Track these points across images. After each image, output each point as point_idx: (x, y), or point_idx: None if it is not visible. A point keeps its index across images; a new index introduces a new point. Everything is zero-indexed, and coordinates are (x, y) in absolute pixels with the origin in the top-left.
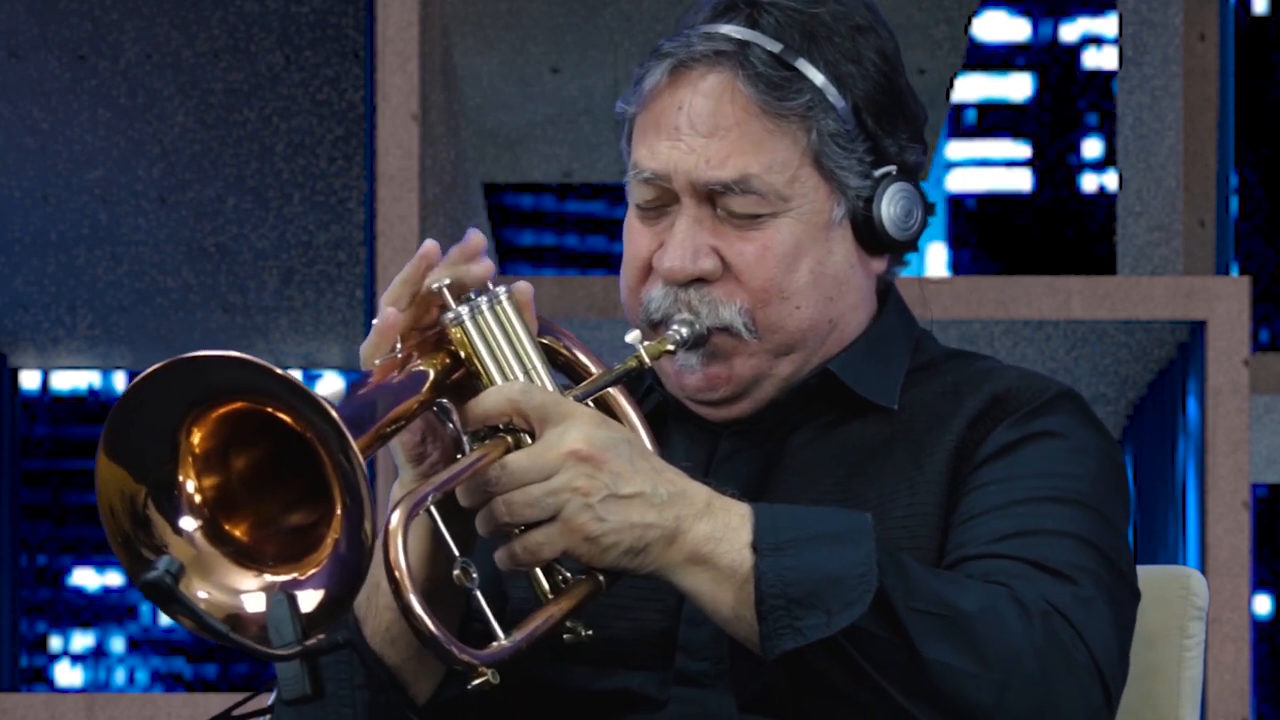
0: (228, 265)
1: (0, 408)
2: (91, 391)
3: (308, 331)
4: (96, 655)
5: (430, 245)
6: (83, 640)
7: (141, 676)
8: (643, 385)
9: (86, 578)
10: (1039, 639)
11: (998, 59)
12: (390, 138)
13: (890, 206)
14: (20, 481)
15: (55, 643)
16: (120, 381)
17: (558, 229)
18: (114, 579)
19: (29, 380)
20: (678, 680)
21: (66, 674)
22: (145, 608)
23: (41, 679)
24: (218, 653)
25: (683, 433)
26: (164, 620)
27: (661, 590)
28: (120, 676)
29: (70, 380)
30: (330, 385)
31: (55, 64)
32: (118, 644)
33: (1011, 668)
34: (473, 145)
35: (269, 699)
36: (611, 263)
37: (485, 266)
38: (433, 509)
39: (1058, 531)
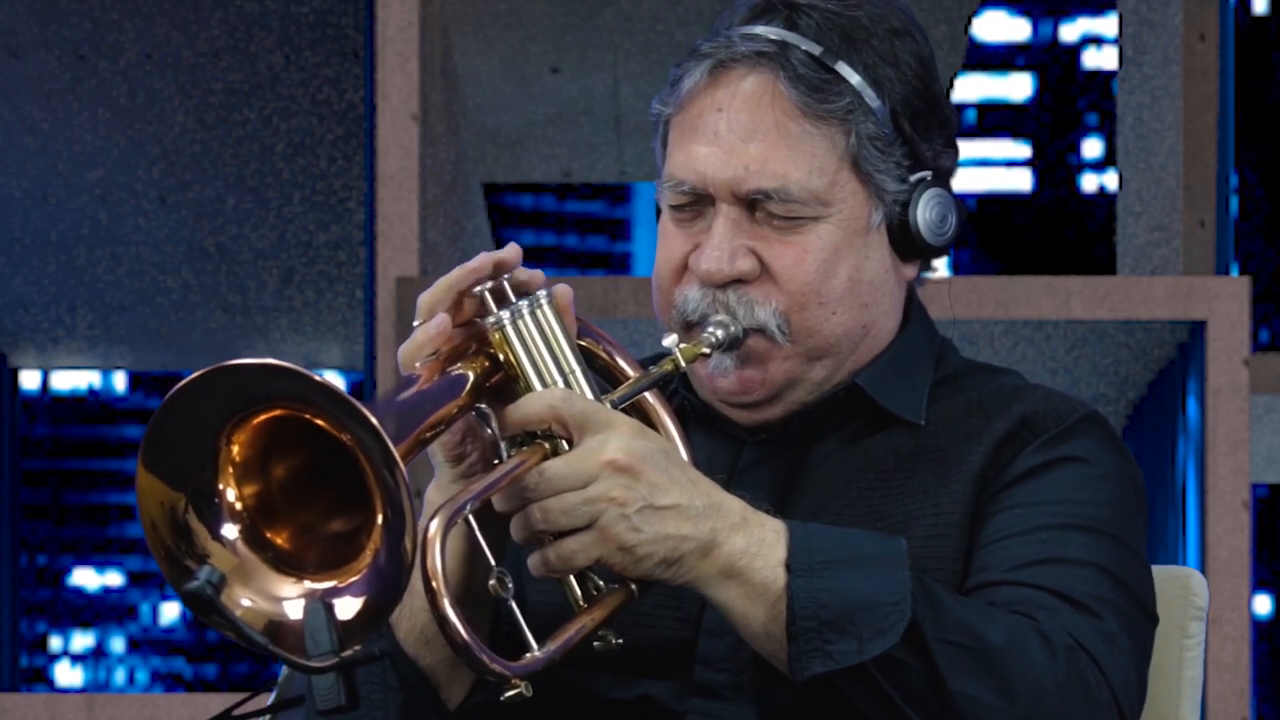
0: (228, 265)
1: (0, 408)
2: (91, 391)
3: (308, 331)
4: (96, 655)
5: (486, 260)
6: (83, 640)
7: (141, 676)
8: (667, 390)
9: (86, 578)
10: (1062, 674)
11: (998, 59)
12: (390, 138)
13: (926, 211)
14: (20, 481)
15: (55, 643)
16: (120, 381)
17: (557, 229)
18: (114, 579)
19: (29, 380)
20: (696, 691)
21: (66, 674)
22: (145, 607)
23: (41, 679)
24: (217, 653)
25: (705, 439)
26: (164, 620)
27: (683, 599)
28: (120, 676)
29: (70, 380)
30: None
31: (55, 64)
32: (118, 644)
33: (1035, 703)
34: (473, 145)
35: (269, 699)
36: (612, 262)
37: (536, 275)
38: (470, 518)
39: (1080, 561)
